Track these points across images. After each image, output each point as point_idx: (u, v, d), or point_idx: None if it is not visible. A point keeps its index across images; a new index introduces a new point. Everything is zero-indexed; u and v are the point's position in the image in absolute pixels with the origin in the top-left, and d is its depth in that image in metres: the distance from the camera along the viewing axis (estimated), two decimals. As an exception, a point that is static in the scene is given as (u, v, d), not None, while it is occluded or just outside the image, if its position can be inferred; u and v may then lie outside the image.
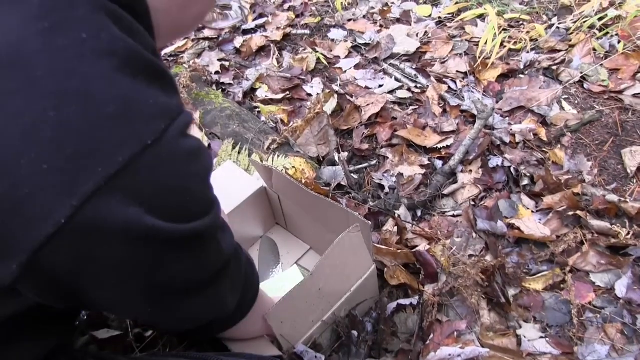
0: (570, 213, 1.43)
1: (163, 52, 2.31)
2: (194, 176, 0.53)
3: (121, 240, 0.47)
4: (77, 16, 0.43)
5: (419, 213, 1.55)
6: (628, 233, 1.36)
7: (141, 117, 0.46)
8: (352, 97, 1.94)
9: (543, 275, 1.35)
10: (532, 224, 1.44)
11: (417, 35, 2.21)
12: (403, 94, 1.95)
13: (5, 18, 0.41)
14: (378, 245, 1.30)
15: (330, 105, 1.83)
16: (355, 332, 1.20)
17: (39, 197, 0.41)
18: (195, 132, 1.15)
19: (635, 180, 1.56)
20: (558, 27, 2.09)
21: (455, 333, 1.22)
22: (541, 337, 1.23)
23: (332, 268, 1.06)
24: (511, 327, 1.26)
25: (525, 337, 1.23)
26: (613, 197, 1.42)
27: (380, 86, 2.01)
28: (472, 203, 1.56)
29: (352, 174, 1.62)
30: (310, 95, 1.98)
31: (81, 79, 0.43)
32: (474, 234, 1.44)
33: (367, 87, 2.00)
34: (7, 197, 0.41)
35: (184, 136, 0.51)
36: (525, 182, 1.57)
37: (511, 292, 1.33)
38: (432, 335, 1.20)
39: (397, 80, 2.02)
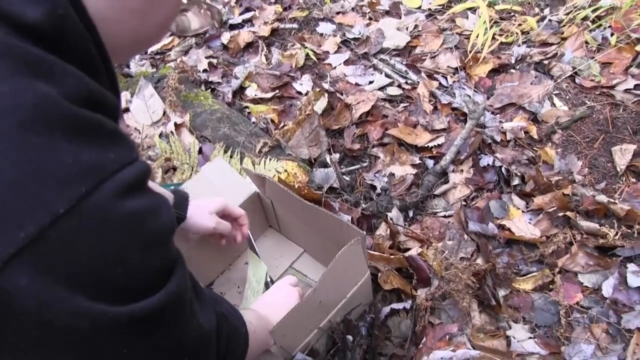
0: (560, 214, 1.51)
1: (150, 50, 2.35)
2: (134, 243, 0.48)
3: (38, 326, 0.42)
4: None
5: (410, 214, 1.62)
6: (616, 234, 1.44)
7: (51, 182, 0.41)
8: (342, 94, 2.01)
9: (532, 276, 1.44)
10: (522, 225, 1.52)
11: (407, 28, 2.27)
12: (394, 90, 2.01)
13: None
14: (371, 252, 1.38)
15: (321, 105, 1.89)
16: (350, 337, 1.28)
17: None
18: (155, 186, 1.17)
19: (624, 179, 1.64)
20: (550, 20, 2.15)
21: (447, 336, 1.30)
22: (530, 338, 1.32)
23: (332, 281, 1.14)
24: (501, 328, 1.35)
25: (514, 337, 1.32)
26: (602, 198, 1.50)
27: (371, 82, 2.07)
28: (464, 203, 1.64)
29: (344, 176, 1.68)
30: (300, 93, 2.04)
31: None
32: (465, 236, 1.52)
33: (357, 84, 2.06)
34: None
35: (121, 197, 0.46)
36: (516, 181, 1.65)
37: (501, 292, 1.41)
38: (424, 339, 1.28)
39: (387, 76, 2.08)
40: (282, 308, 1.10)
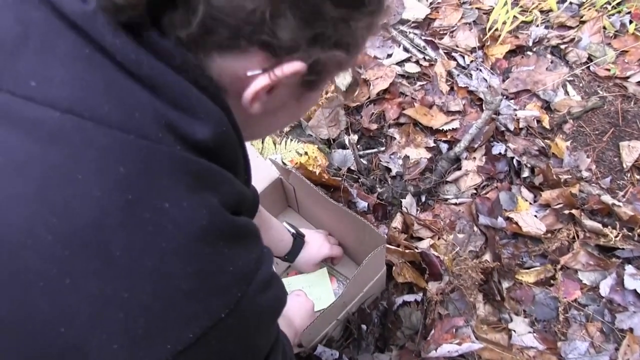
0: (566, 211, 1.52)
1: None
2: (266, 332, 0.56)
3: None
4: (160, 186, 0.42)
5: (423, 199, 1.63)
6: (617, 235, 1.46)
7: (216, 290, 0.46)
8: (360, 68, 1.95)
9: (535, 270, 1.47)
10: (529, 219, 1.53)
11: (427, 0, 2.17)
12: (411, 67, 1.95)
13: (89, 187, 0.40)
14: (387, 245, 1.39)
15: (345, 82, 1.84)
16: (364, 326, 1.33)
17: None
18: (278, 225, 1.28)
19: (629, 175, 1.64)
20: (571, 3, 2.06)
21: (454, 329, 1.35)
22: (529, 332, 1.37)
23: (356, 283, 1.16)
24: (503, 320, 1.40)
25: (515, 331, 1.37)
26: (607, 199, 1.51)
27: (389, 56, 2.01)
28: (474, 191, 1.64)
29: (361, 159, 1.67)
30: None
31: (157, 257, 0.41)
32: (475, 228, 1.53)
33: (375, 57, 2.00)
34: None
35: (261, 294, 0.51)
36: (526, 173, 1.65)
37: (505, 284, 1.45)
38: (432, 332, 1.33)
39: (405, 50, 2.01)
40: (305, 311, 1.14)
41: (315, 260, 1.32)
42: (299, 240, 1.28)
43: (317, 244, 1.32)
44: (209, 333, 0.45)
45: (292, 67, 0.47)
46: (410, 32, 2.07)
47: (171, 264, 0.42)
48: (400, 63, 1.98)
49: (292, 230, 1.29)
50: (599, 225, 1.48)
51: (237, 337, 0.49)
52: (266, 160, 1.44)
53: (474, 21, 2.09)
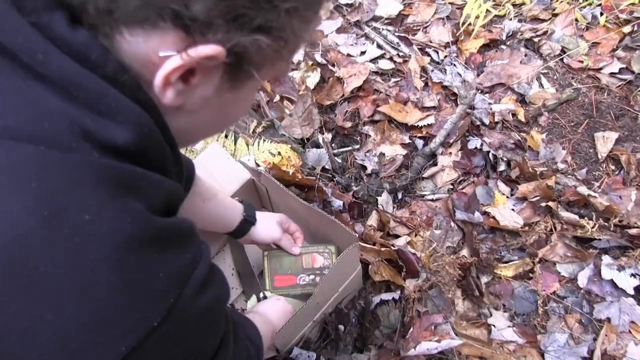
0: (543, 204, 1.50)
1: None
2: (210, 332, 0.54)
3: None
4: (78, 198, 0.40)
5: (399, 196, 1.60)
6: (594, 226, 1.44)
7: (148, 298, 0.44)
8: (334, 66, 1.92)
9: (514, 264, 1.45)
10: (506, 213, 1.51)
11: (400, -5, 2.14)
12: (385, 64, 1.93)
13: (8, 206, 0.38)
14: (363, 243, 1.36)
15: (314, 79, 1.81)
16: (341, 326, 1.29)
17: None
18: (223, 196, 1.18)
19: (604, 166, 1.63)
20: (543, -5, 2.05)
21: (433, 326, 1.32)
22: (509, 327, 1.34)
23: (329, 283, 1.13)
24: (482, 315, 1.37)
25: (495, 326, 1.34)
26: (583, 190, 1.49)
27: (363, 53, 1.98)
28: (451, 187, 1.62)
29: (335, 157, 1.64)
30: (291, 62, 1.94)
31: (83, 272, 0.40)
32: (452, 224, 1.51)
33: (349, 55, 1.97)
34: None
35: (197, 296, 0.49)
36: (502, 167, 1.63)
37: (484, 279, 1.42)
38: (411, 329, 1.30)
39: (379, 47, 1.98)
40: (283, 313, 1.10)
41: (263, 242, 1.21)
42: (247, 224, 1.17)
43: (266, 227, 1.20)
44: (144, 342, 0.43)
45: (209, 49, 0.43)
46: (383, 29, 2.04)
47: (98, 277, 0.40)
48: (374, 60, 1.95)
49: (245, 213, 1.18)
50: (576, 217, 1.46)
51: (176, 342, 0.48)
52: (237, 163, 1.40)
53: (447, 16, 2.07)
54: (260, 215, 1.20)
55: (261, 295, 1.21)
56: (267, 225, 1.20)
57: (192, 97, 0.49)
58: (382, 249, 1.35)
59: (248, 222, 1.17)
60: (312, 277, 1.23)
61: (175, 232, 0.48)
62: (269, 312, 1.08)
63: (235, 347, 0.64)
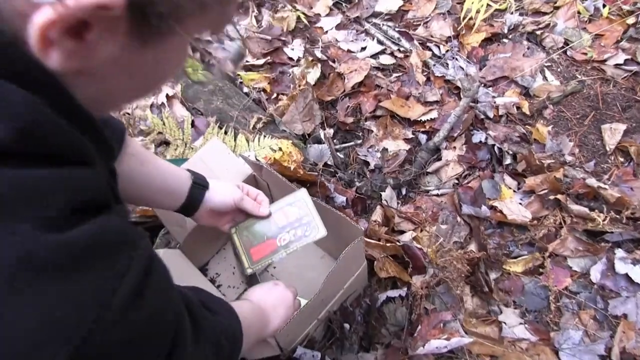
0: (551, 197, 1.45)
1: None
2: (146, 350, 0.46)
3: None
4: None
5: (403, 191, 1.55)
6: (605, 218, 1.39)
7: (57, 331, 0.36)
8: (334, 62, 1.87)
9: (523, 259, 1.39)
10: (514, 207, 1.46)
11: (399, -9, 2.10)
12: (386, 59, 1.88)
13: None
14: (367, 239, 1.31)
15: (314, 75, 1.76)
16: (347, 325, 1.23)
17: None
18: (168, 165, 0.99)
19: (613, 158, 1.58)
20: (544, -12, 2.01)
21: (442, 323, 1.26)
22: (520, 324, 1.29)
23: (334, 279, 1.07)
24: (492, 312, 1.32)
25: (506, 324, 1.28)
26: (593, 182, 1.44)
27: (363, 49, 1.93)
28: (456, 181, 1.57)
29: (338, 153, 1.59)
30: (291, 59, 1.90)
31: None
32: (459, 219, 1.45)
33: (349, 51, 1.93)
34: None
35: (128, 309, 0.41)
36: (508, 160, 1.58)
37: (492, 275, 1.37)
38: (419, 327, 1.24)
39: (379, 42, 1.94)
40: (282, 300, 1.01)
41: (223, 205, 1.03)
42: (198, 189, 0.99)
43: (223, 189, 1.03)
44: None
45: None
46: (383, 25, 2.00)
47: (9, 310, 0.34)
48: (374, 56, 1.91)
49: (193, 177, 1.00)
50: (586, 210, 1.41)
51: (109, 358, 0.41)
52: (238, 158, 1.35)
53: (447, 11, 2.03)
54: (213, 181, 1.04)
55: (248, 272, 1.07)
56: (224, 187, 1.03)
57: (93, 58, 0.40)
58: (388, 244, 1.30)
59: (199, 185, 0.99)
60: (292, 232, 1.06)
61: (90, 244, 0.39)
62: (264, 299, 0.98)
63: (195, 348, 0.57)
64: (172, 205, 0.99)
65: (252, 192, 1.09)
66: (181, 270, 1.19)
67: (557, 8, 1.96)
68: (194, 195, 0.99)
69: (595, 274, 1.34)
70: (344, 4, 2.11)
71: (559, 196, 1.44)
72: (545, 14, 1.97)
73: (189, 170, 1.02)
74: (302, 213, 1.07)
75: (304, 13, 2.03)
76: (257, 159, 1.47)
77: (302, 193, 1.08)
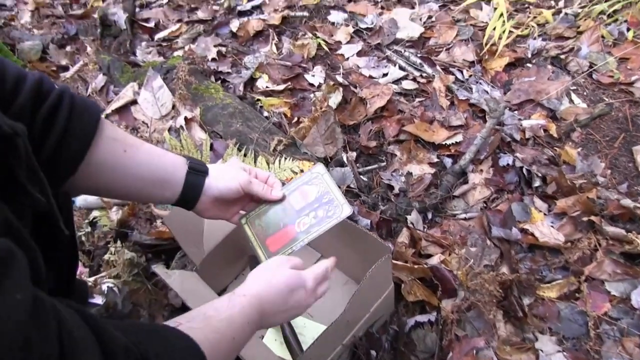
0: (585, 218, 1.39)
1: (157, 37, 2.17)
2: None
3: None
4: None
5: (429, 216, 1.50)
6: (643, 240, 1.32)
7: None
8: (356, 87, 1.86)
9: (557, 283, 1.32)
10: (545, 230, 1.40)
11: (420, 19, 2.10)
12: (409, 84, 1.86)
13: None
14: (394, 261, 1.25)
15: (335, 99, 1.74)
16: (373, 352, 1.17)
17: None
18: (164, 152, 0.85)
19: (646, 180, 1.52)
20: (566, 14, 1.99)
21: (474, 350, 1.19)
22: (558, 352, 1.21)
23: (360, 300, 1.01)
24: (527, 339, 1.24)
25: (542, 351, 1.20)
26: (628, 202, 1.38)
27: (385, 75, 1.92)
28: (484, 205, 1.51)
29: (361, 176, 1.55)
30: (312, 85, 1.89)
31: None
32: (488, 242, 1.39)
33: (371, 77, 1.91)
34: None
35: None
36: (537, 183, 1.52)
37: (525, 300, 1.29)
38: (450, 354, 1.17)
39: (401, 68, 1.93)
40: (284, 290, 0.80)
41: (229, 192, 0.88)
42: (197, 175, 0.86)
43: (226, 173, 0.88)
44: None
45: None
46: (405, 51, 1.99)
47: None
48: (396, 81, 1.89)
49: (189, 162, 0.87)
50: (622, 231, 1.35)
51: None
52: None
53: (470, 37, 2.02)
54: (214, 165, 0.90)
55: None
56: (227, 170, 0.89)
57: None
58: (415, 266, 1.24)
59: (196, 171, 0.86)
60: (312, 214, 0.92)
61: None
62: (265, 291, 0.77)
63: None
64: (167, 197, 0.85)
65: (262, 175, 0.94)
66: (198, 294, 1.13)
67: (581, 33, 1.94)
68: (192, 182, 0.85)
69: (636, 299, 1.26)
70: (364, 31, 2.11)
71: (593, 218, 1.38)
72: (568, 38, 1.95)
73: (185, 155, 0.88)
74: (321, 191, 0.93)
75: (324, 40, 2.04)
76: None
77: (320, 168, 0.95)
